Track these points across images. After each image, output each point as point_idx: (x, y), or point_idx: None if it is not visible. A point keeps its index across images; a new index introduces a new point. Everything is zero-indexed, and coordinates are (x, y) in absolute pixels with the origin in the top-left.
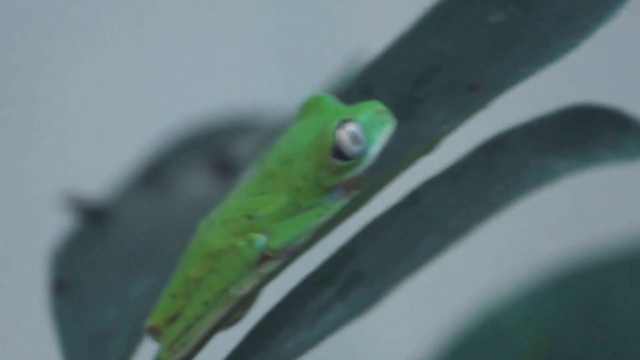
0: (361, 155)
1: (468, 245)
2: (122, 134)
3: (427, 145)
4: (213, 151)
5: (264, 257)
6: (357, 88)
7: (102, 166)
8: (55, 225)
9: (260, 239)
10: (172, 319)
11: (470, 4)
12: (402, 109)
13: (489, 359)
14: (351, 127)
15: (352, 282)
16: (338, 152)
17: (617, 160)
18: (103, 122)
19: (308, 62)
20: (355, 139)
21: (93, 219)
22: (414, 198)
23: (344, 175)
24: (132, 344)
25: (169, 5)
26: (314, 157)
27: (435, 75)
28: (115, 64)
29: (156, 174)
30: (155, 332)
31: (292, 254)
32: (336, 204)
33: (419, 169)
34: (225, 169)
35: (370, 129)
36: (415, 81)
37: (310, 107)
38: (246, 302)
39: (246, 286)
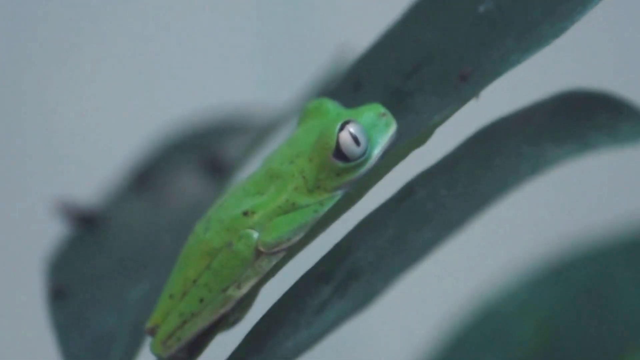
0: (363, 157)
1: (465, 236)
2: (112, 137)
3: (420, 137)
4: (204, 152)
5: (259, 254)
6: (347, 83)
7: (94, 171)
8: (50, 232)
9: (255, 236)
10: None
11: None
12: (393, 102)
13: (489, 350)
14: (353, 129)
15: (350, 279)
16: (340, 153)
17: (613, 145)
18: (94, 127)
19: (297, 60)
20: (356, 140)
21: (87, 224)
22: (408, 191)
23: (345, 177)
24: (131, 348)
25: (156, 8)
26: (316, 158)
27: (425, 67)
28: (105, 68)
29: (148, 176)
30: (154, 333)
31: (286, 250)
32: (330, 201)
33: (413, 161)
34: (217, 169)
35: (372, 131)
36: (405, 73)
37: (312, 111)
38: (245, 303)
39: (243, 284)
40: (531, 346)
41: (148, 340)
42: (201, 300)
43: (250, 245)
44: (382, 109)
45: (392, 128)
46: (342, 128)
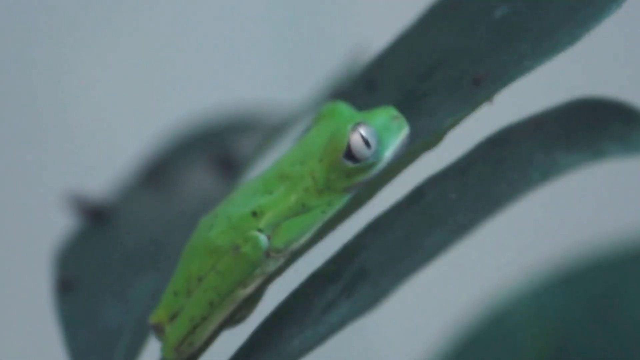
0: (373, 158)
1: (474, 241)
2: (124, 132)
3: (432, 139)
4: (215, 149)
5: (267, 256)
6: (362, 83)
7: (104, 165)
8: (59, 225)
9: (263, 239)
10: (174, 316)
11: None
12: (407, 104)
13: (496, 357)
14: (364, 131)
15: (358, 280)
16: (350, 155)
17: (624, 154)
18: (105, 121)
19: (311, 59)
20: (367, 142)
21: (96, 218)
22: (419, 194)
23: (354, 178)
24: (137, 342)
25: (172, 4)
26: (326, 159)
27: (440, 70)
28: (116, 62)
29: (159, 172)
30: (158, 329)
31: (295, 251)
32: (339, 202)
33: (424, 164)
34: (228, 167)
35: (383, 133)
36: (419, 76)
37: (325, 113)
38: (251, 300)
39: (251, 285)
40: (538, 353)
41: (154, 335)
42: (210, 304)
43: (258, 249)
44: (395, 112)
45: (404, 131)
46: (353, 129)
